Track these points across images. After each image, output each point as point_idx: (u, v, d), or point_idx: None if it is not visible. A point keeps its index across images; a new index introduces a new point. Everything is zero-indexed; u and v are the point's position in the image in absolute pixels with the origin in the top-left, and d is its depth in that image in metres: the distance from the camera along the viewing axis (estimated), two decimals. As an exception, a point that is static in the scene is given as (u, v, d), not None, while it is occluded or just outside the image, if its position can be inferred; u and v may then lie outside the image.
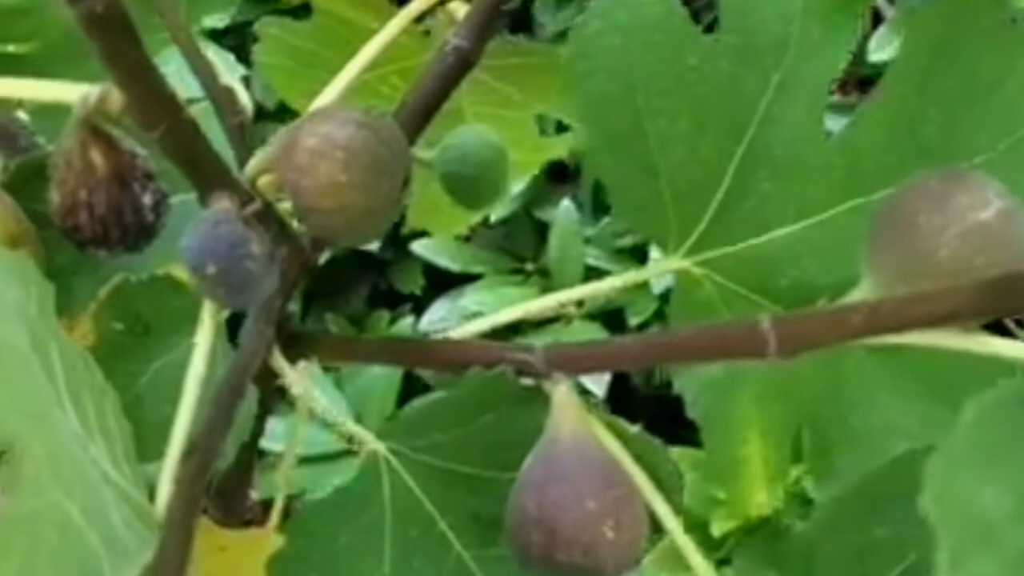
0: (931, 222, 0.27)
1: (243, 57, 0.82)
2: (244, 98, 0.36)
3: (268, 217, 0.34)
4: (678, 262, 0.39)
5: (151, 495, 0.28)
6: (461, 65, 0.38)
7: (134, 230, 0.30)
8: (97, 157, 0.29)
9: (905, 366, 0.39)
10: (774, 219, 0.39)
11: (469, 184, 0.38)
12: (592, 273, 1.36)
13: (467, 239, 1.46)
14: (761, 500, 0.38)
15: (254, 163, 0.34)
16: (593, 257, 1.36)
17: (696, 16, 0.38)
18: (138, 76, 0.27)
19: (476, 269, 1.44)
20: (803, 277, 0.39)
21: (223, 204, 0.31)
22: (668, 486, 0.32)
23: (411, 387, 1.37)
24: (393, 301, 1.54)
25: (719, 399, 0.40)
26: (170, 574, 0.26)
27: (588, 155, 0.38)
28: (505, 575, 0.35)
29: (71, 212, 0.29)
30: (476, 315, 1.43)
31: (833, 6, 0.38)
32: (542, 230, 1.40)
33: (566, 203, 1.37)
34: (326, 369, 1.34)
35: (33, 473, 0.21)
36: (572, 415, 0.32)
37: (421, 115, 0.38)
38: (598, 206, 1.42)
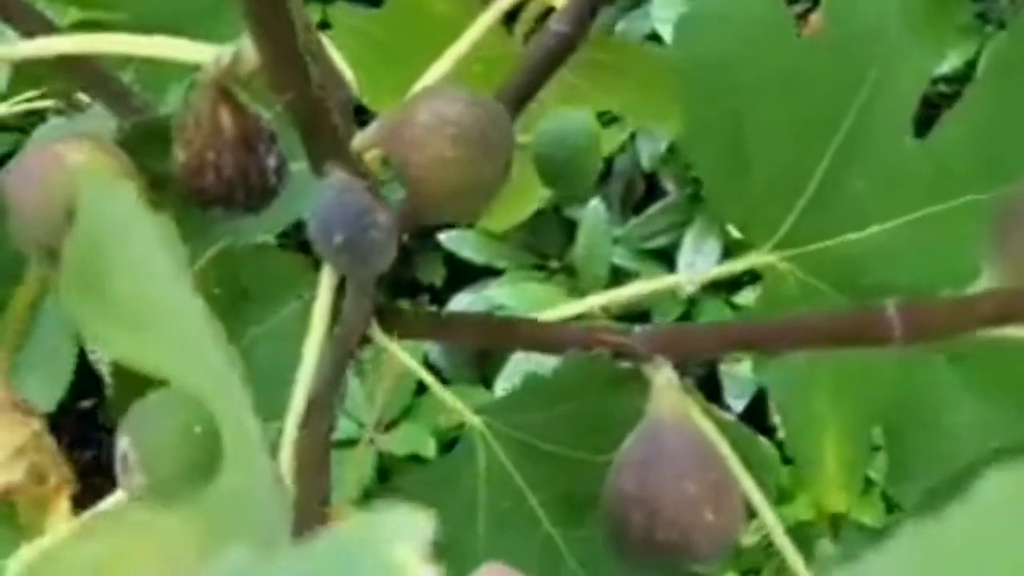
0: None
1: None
2: (349, 75, 0.37)
3: (377, 192, 0.34)
4: (765, 256, 0.39)
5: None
6: (563, 50, 0.38)
7: (258, 192, 0.30)
8: (226, 118, 0.30)
9: (983, 373, 0.39)
10: (863, 218, 0.39)
11: (564, 168, 0.39)
12: (618, 274, 1.36)
13: (492, 233, 1.46)
14: (837, 497, 0.39)
15: (363, 136, 0.34)
16: (620, 257, 1.37)
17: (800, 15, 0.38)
18: (280, 38, 0.27)
19: (499, 264, 1.44)
20: (887, 278, 0.39)
21: (342, 174, 0.31)
22: (761, 473, 0.33)
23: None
24: (414, 291, 1.55)
25: (798, 396, 0.40)
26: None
27: (685, 145, 0.38)
28: (591, 556, 0.35)
29: (198, 172, 0.30)
30: (497, 309, 1.44)
31: (929, 5, 0.39)
32: (569, 228, 1.40)
33: (595, 202, 1.37)
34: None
35: (233, 445, 0.21)
36: (673, 399, 0.32)
37: (520, 99, 0.38)
38: (627, 206, 1.43)
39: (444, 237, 1.43)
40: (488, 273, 1.46)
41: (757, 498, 0.32)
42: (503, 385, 1.29)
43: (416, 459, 1.31)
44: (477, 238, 1.45)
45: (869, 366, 0.39)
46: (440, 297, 1.51)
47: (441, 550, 0.38)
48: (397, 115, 0.34)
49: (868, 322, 0.28)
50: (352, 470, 1.34)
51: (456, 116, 0.33)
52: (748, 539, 1.09)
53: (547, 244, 1.44)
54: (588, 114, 0.38)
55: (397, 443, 1.36)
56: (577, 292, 1.37)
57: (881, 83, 0.38)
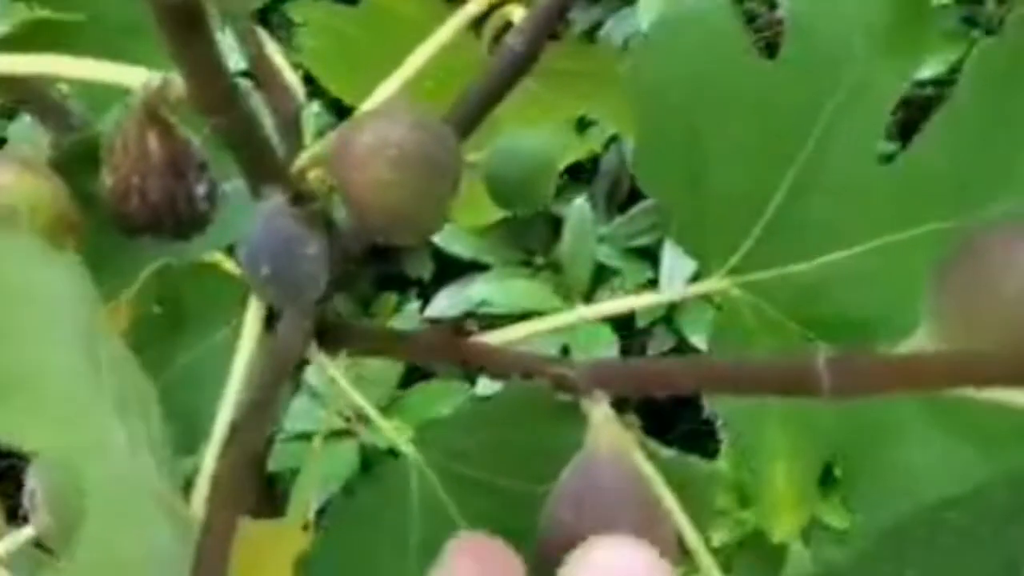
0: (1002, 273, 0.27)
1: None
2: (297, 89, 0.36)
3: (319, 216, 0.33)
4: (718, 283, 0.38)
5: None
6: (517, 71, 0.37)
7: (186, 219, 0.30)
8: (154, 143, 0.29)
9: (941, 408, 0.38)
10: (822, 245, 0.38)
11: (515, 189, 0.38)
12: (602, 271, 1.36)
13: (479, 228, 1.45)
14: (786, 524, 0.38)
15: (305, 156, 0.33)
16: (604, 256, 1.36)
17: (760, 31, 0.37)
18: (205, 68, 0.27)
19: (486, 259, 1.43)
20: (847, 308, 0.38)
21: (277, 200, 0.30)
22: (699, 505, 0.32)
23: (413, 371, 1.37)
24: (401, 285, 1.54)
25: (749, 423, 0.39)
26: (214, 566, 0.25)
27: (640, 166, 0.37)
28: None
29: (124, 198, 0.29)
30: (482, 304, 1.43)
31: (896, 27, 0.38)
32: (555, 225, 1.40)
33: (581, 200, 1.37)
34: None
35: (96, 525, 0.21)
36: (610, 434, 0.31)
37: (473, 117, 0.38)
38: (612, 205, 1.42)
39: (430, 232, 1.42)
40: (475, 268, 1.45)
41: (690, 535, 0.31)
42: (485, 382, 1.29)
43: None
44: (465, 234, 1.45)
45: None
46: (427, 292, 1.51)
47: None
48: (341, 135, 0.33)
49: (796, 374, 0.27)
50: (333, 464, 1.34)
51: (398, 138, 0.32)
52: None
53: (533, 241, 1.43)
54: (543, 133, 0.37)
55: (381, 437, 1.36)
56: (562, 289, 1.36)
57: (845, 105, 0.37)
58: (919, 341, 0.27)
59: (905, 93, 0.38)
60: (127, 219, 0.29)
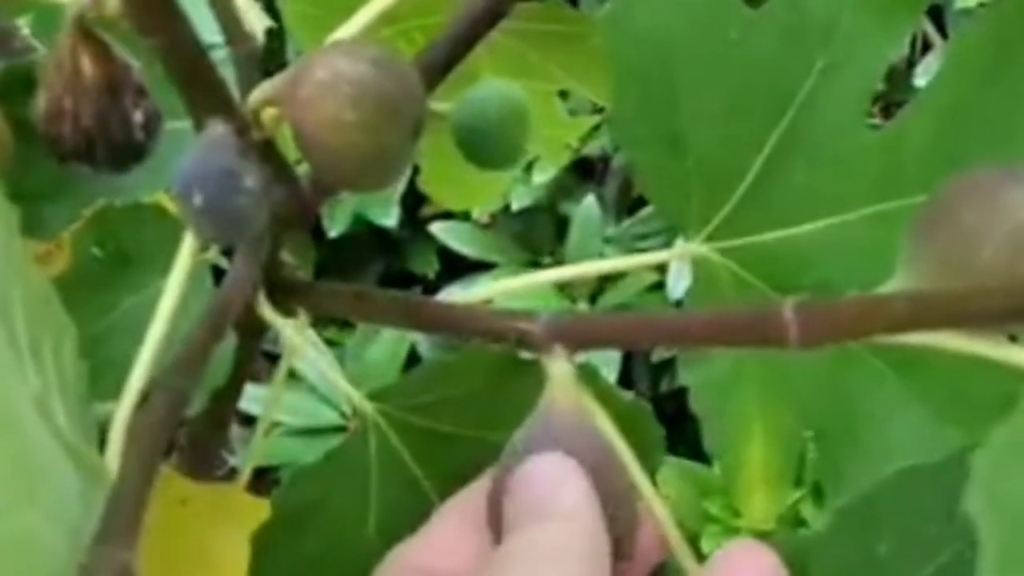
0: (976, 218, 0.25)
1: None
2: (256, 25, 0.34)
3: (268, 152, 0.32)
4: (696, 247, 0.37)
5: (104, 436, 0.26)
6: (490, 15, 0.36)
7: (121, 147, 0.28)
8: (87, 63, 0.27)
9: (921, 382, 0.36)
10: (803, 212, 0.36)
11: (483, 141, 0.36)
12: (608, 273, 1.34)
13: (485, 226, 1.44)
14: (760, 506, 0.36)
15: (258, 93, 0.31)
16: (612, 256, 1.34)
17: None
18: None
19: (492, 257, 1.42)
20: (827, 278, 0.37)
21: (219, 130, 0.29)
22: (648, 454, 0.31)
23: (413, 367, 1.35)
24: (406, 282, 1.53)
25: (722, 397, 0.38)
26: (122, 527, 0.24)
27: (616, 124, 0.35)
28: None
29: (54, 120, 0.27)
30: (486, 303, 1.41)
31: (889, -8, 0.36)
32: (563, 224, 1.38)
33: (590, 199, 1.35)
34: (329, 343, 1.33)
35: (3, 494, 0.19)
36: (566, 390, 0.30)
37: (442, 65, 0.36)
38: (621, 206, 1.40)
39: (436, 228, 1.41)
40: (481, 267, 1.44)
41: (646, 488, 0.30)
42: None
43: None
44: (471, 231, 1.43)
45: (802, 367, 0.36)
46: (431, 290, 1.49)
47: (334, 538, 0.36)
48: (295, 71, 0.31)
49: (764, 323, 0.25)
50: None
51: (357, 76, 0.30)
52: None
53: (539, 239, 1.42)
54: (512, 85, 0.36)
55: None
56: (567, 289, 1.35)
57: (831, 69, 0.36)
58: (891, 288, 0.25)
59: (909, 100, 0.37)
60: (58, 143, 0.28)
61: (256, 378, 0.52)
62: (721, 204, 0.36)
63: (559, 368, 0.30)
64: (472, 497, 0.32)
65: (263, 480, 1.28)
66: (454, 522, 0.32)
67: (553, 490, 0.27)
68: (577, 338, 0.30)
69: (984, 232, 0.25)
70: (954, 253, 0.24)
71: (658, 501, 0.29)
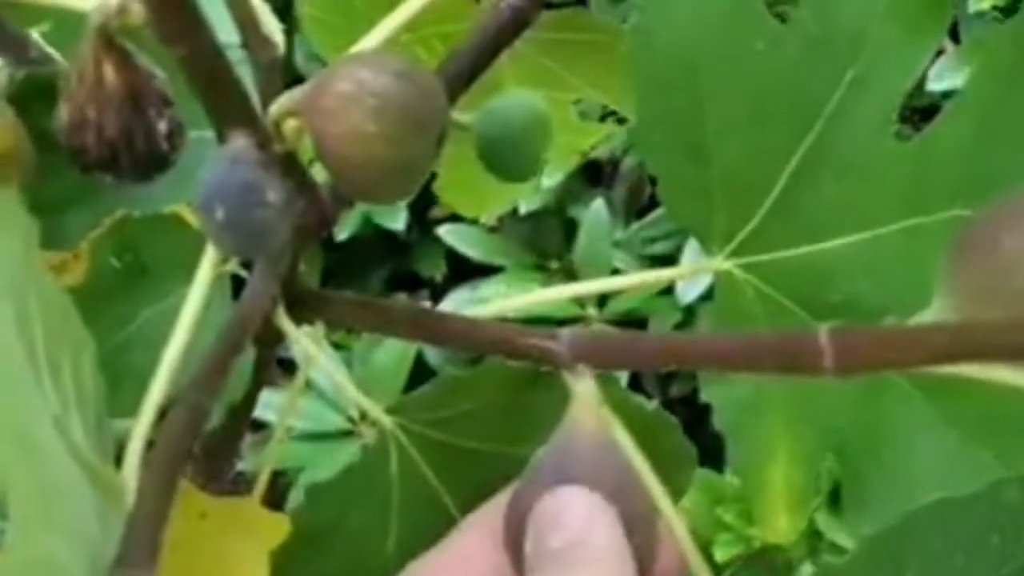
0: (1017, 244, 0.24)
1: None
2: (277, 35, 0.34)
3: (290, 165, 0.31)
4: (720, 263, 0.36)
5: (121, 452, 0.26)
6: (514, 25, 0.35)
7: (145, 157, 0.28)
8: (110, 73, 0.27)
9: (949, 404, 0.36)
10: (832, 227, 0.36)
11: (506, 152, 0.36)
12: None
13: (493, 229, 1.43)
14: (782, 525, 0.35)
15: (280, 104, 0.31)
16: (620, 261, 1.33)
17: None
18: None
19: (499, 261, 1.41)
20: (856, 295, 0.36)
21: (241, 142, 0.28)
22: (675, 474, 0.30)
23: (420, 375, 1.35)
24: (413, 285, 1.52)
25: (746, 416, 0.37)
26: (142, 549, 0.23)
27: (639, 134, 0.35)
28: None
29: (78, 131, 0.27)
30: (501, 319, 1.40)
31: (919, 5, 0.35)
32: (571, 228, 1.37)
33: (599, 203, 1.34)
34: (336, 347, 1.32)
35: (23, 517, 0.19)
36: (591, 412, 0.29)
37: (465, 75, 0.36)
38: (631, 210, 1.40)
39: (443, 231, 1.40)
40: (489, 270, 1.43)
41: (667, 509, 0.29)
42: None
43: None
44: (479, 234, 1.43)
45: (828, 390, 0.36)
46: (438, 293, 1.49)
47: (355, 555, 0.35)
48: (318, 82, 0.31)
49: (797, 349, 0.24)
50: (336, 465, 1.32)
51: (381, 87, 0.30)
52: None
53: (548, 243, 1.41)
54: (535, 96, 0.35)
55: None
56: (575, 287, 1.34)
57: (860, 82, 0.35)
58: (930, 316, 0.24)
59: (922, 104, 0.36)
60: (82, 155, 0.27)
61: (267, 383, 0.51)
62: (747, 218, 0.36)
63: (583, 387, 0.29)
64: (492, 513, 0.31)
65: (270, 483, 1.28)
66: (474, 537, 0.31)
67: (581, 535, 0.26)
68: (602, 359, 0.30)
69: (1021, 262, 0.24)
70: (994, 281, 0.24)
71: (679, 522, 0.28)
